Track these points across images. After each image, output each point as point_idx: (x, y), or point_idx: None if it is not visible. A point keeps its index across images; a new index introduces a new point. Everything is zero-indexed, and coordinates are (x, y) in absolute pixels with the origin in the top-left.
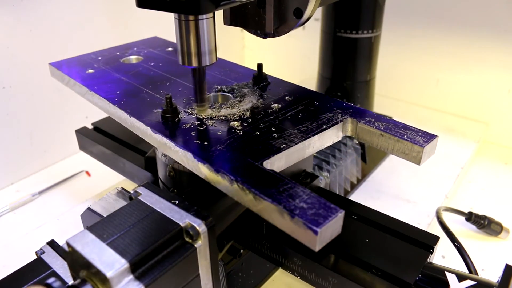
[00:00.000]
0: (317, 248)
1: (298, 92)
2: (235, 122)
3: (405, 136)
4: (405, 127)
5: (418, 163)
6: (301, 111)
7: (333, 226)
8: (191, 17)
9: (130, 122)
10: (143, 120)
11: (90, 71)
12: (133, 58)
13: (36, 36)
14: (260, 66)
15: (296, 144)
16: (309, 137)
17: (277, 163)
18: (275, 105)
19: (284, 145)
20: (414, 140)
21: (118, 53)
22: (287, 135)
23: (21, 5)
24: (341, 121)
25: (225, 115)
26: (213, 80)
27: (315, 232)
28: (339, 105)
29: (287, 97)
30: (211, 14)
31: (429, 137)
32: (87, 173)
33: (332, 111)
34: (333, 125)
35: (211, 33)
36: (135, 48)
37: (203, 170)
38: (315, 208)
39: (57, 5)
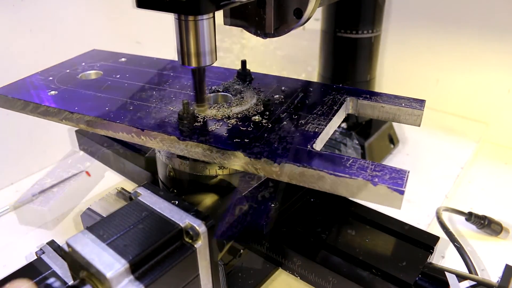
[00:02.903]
0: (401, 207)
1: (286, 82)
2: (256, 117)
3: (403, 104)
4: (397, 97)
5: (419, 125)
6: (304, 97)
7: (406, 185)
8: (191, 17)
9: (142, 136)
10: (162, 130)
11: (53, 92)
12: (92, 73)
13: (36, 36)
14: (244, 62)
15: (325, 126)
16: (331, 119)
17: (317, 146)
18: (277, 96)
19: (316, 128)
20: (411, 105)
21: (68, 70)
22: (311, 120)
23: (21, 5)
24: (344, 100)
25: (241, 112)
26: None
27: (401, 192)
28: (331, 87)
29: (283, 88)
30: (211, 15)
31: (421, 102)
32: (87, 173)
33: (330, 93)
34: (340, 105)
35: (211, 33)
36: (83, 63)
37: (260, 166)
38: (388, 173)
39: (57, 5)
